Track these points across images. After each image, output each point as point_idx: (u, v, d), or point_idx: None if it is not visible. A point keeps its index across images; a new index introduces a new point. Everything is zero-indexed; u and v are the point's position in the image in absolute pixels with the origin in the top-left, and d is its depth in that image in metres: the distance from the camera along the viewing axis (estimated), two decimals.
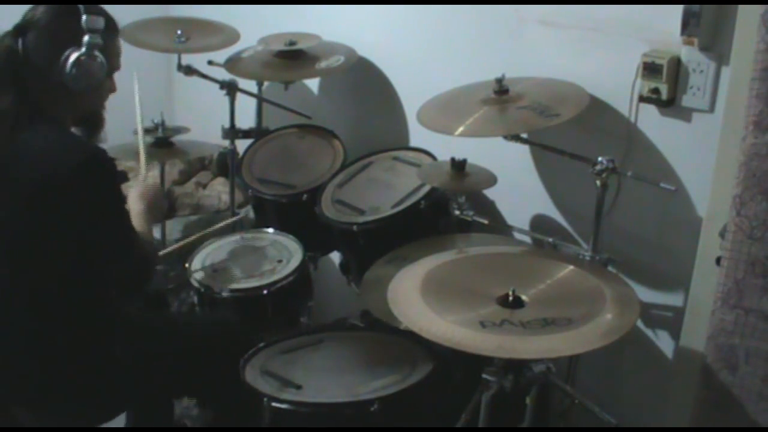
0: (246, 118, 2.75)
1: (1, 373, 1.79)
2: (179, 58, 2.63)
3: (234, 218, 2.51)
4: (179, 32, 2.59)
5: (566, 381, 2.02)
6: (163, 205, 2.10)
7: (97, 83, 1.73)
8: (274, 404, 1.79)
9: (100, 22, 1.71)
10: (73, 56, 1.67)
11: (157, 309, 2.32)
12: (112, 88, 1.83)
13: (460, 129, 1.94)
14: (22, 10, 1.74)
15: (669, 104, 1.91)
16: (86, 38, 1.68)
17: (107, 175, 1.70)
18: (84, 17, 1.68)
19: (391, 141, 2.58)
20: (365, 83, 2.66)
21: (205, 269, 2.33)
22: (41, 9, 1.70)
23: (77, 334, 1.78)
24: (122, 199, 1.77)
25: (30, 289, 1.73)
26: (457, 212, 2.20)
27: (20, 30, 1.69)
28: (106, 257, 1.77)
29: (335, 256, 2.66)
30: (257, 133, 2.75)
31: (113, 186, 1.73)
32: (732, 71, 1.70)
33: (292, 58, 2.57)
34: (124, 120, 2.24)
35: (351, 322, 2.34)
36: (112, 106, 1.89)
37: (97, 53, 1.70)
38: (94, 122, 1.84)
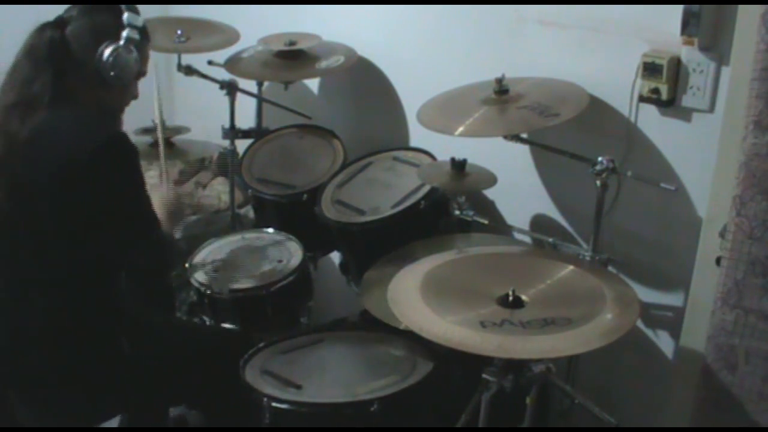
0: (246, 118, 2.75)
1: (12, 362, 1.80)
2: (179, 58, 2.63)
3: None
4: (179, 32, 2.59)
5: (566, 381, 2.02)
6: (183, 211, 2.18)
7: (129, 77, 1.81)
8: (274, 404, 1.79)
9: (139, 20, 1.81)
10: (111, 48, 1.76)
11: (166, 311, 2.32)
12: (136, 94, 1.90)
13: (460, 129, 1.94)
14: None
15: (669, 104, 1.91)
16: (125, 32, 1.77)
17: (129, 157, 1.75)
18: (125, 14, 1.78)
19: (391, 141, 2.58)
20: (365, 83, 2.66)
21: (205, 269, 2.33)
22: (84, 5, 1.79)
23: (88, 326, 1.79)
24: (143, 183, 1.81)
25: (47, 272, 1.76)
26: (457, 212, 2.20)
27: (62, 22, 1.77)
28: (127, 238, 1.81)
29: (335, 256, 2.66)
30: (257, 133, 2.75)
31: (134, 168, 1.78)
32: (732, 71, 1.70)
33: (292, 58, 2.57)
34: (125, 120, 2.24)
35: (351, 322, 2.34)
36: None
37: (133, 48, 1.79)
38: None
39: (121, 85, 1.81)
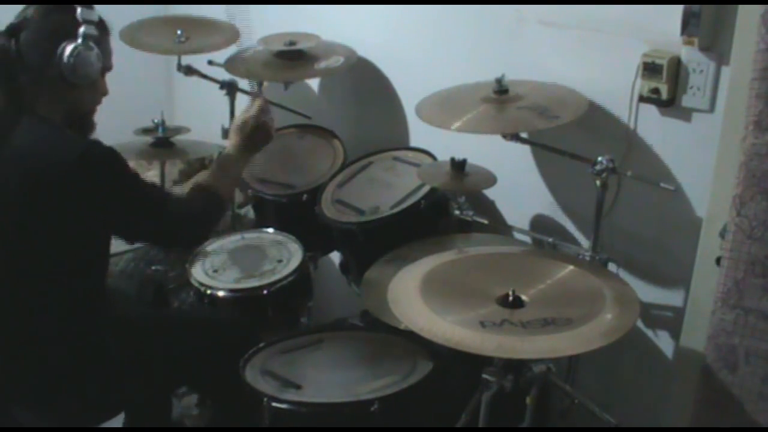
0: None
1: (1, 372, 1.79)
2: (179, 58, 2.63)
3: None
4: (179, 32, 2.59)
5: (566, 381, 2.02)
6: (267, 128, 2.05)
7: (94, 75, 1.75)
8: (274, 404, 1.78)
9: (94, 15, 1.73)
10: (70, 47, 1.69)
11: (158, 307, 2.32)
12: (105, 91, 1.84)
13: (457, 124, 1.94)
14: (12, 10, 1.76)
15: (669, 104, 1.91)
16: (82, 29, 1.70)
17: (104, 167, 1.70)
18: (78, 10, 1.70)
19: (391, 141, 2.58)
20: (365, 83, 2.66)
21: (205, 269, 2.33)
22: (34, 7, 1.71)
23: (75, 332, 1.79)
24: (134, 175, 1.77)
25: (28, 287, 1.74)
26: (457, 212, 2.20)
27: (13, 30, 1.70)
28: (139, 223, 1.79)
29: (335, 256, 2.66)
30: None
31: (117, 170, 1.73)
32: (732, 71, 1.70)
33: (292, 58, 2.57)
34: (124, 120, 2.24)
35: (351, 322, 2.34)
36: (112, 106, 1.89)
37: (92, 45, 1.72)
38: (85, 125, 1.84)
39: (88, 84, 1.76)
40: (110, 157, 1.71)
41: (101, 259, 1.84)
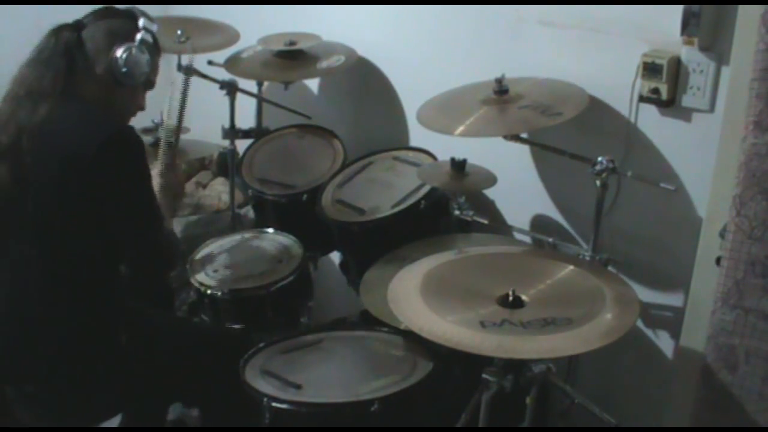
0: (246, 118, 2.75)
1: (9, 356, 1.81)
2: (179, 58, 2.63)
3: None
4: (179, 32, 2.59)
5: (566, 381, 2.02)
6: (180, 185, 2.20)
7: (139, 77, 1.83)
8: (274, 404, 1.78)
9: (153, 27, 1.86)
10: (125, 46, 1.79)
11: (165, 307, 2.33)
12: (142, 105, 1.93)
13: (460, 129, 1.94)
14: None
15: (669, 104, 1.91)
16: (140, 35, 1.82)
17: (134, 152, 1.77)
18: (141, 20, 1.84)
19: (391, 141, 2.58)
20: (365, 83, 2.66)
21: (205, 269, 2.33)
22: (101, 9, 1.85)
23: (85, 321, 1.80)
24: (149, 177, 1.84)
25: (47, 266, 1.77)
26: (457, 212, 2.20)
27: (79, 25, 1.81)
28: (129, 232, 1.82)
29: (335, 256, 2.66)
30: (257, 133, 2.75)
31: (141, 162, 1.79)
32: (732, 71, 1.70)
33: (292, 58, 2.57)
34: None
35: (351, 322, 2.34)
36: None
37: (146, 50, 1.82)
38: None
39: (131, 86, 1.84)
40: (140, 146, 1.78)
41: (118, 248, 1.86)
